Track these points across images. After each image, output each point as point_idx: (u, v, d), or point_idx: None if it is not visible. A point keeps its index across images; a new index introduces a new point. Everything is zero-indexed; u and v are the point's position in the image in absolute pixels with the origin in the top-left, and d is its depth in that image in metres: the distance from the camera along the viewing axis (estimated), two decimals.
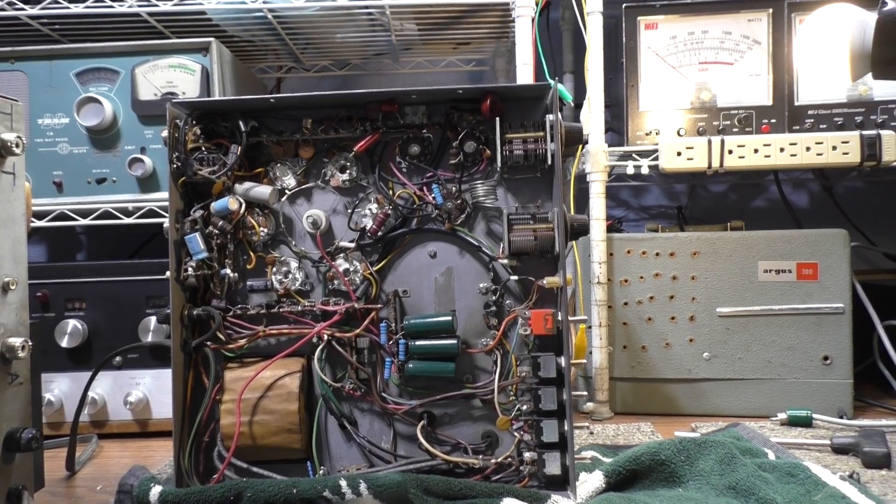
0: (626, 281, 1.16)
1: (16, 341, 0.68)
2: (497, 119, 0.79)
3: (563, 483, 0.76)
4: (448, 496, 0.72)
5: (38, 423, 0.79)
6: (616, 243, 1.16)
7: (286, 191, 0.83)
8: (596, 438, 1.01)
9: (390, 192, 0.82)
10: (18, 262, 0.70)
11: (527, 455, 0.77)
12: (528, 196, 0.82)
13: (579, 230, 0.79)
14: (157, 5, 1.13)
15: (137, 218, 1.15)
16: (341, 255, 0.82)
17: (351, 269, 0.82)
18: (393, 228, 0.82)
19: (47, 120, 1.15)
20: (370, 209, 0.82)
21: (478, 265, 0.82)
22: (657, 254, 1.15)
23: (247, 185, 0.81)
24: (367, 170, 0.83)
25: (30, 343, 0.69)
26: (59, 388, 1.13)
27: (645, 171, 1.15)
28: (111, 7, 1.13)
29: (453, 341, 0.79)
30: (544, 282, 0.77)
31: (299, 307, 0.81)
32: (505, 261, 0.79)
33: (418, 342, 0.79)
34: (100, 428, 1.13)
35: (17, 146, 0.67)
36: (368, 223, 0.81)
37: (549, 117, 0.78)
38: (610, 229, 1.17)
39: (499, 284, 0.81)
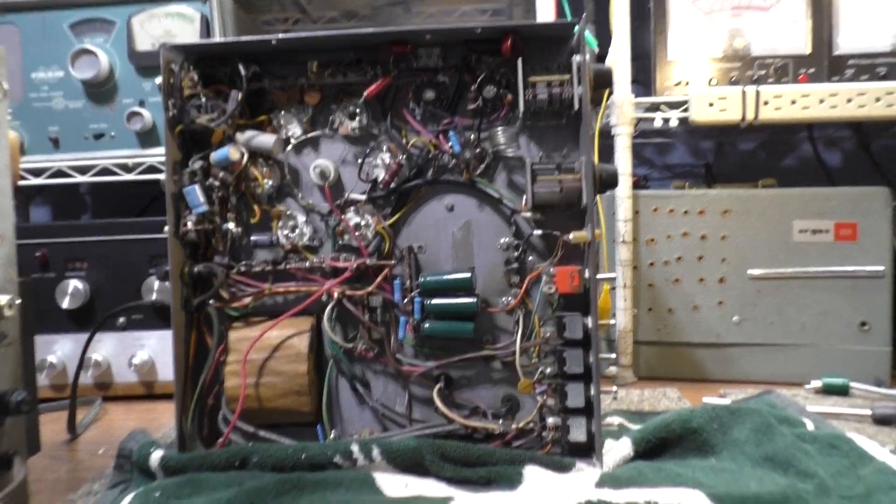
0: (652, 240, 1.10)
1: (1, 299, 0.63)
2: (519, 60, 0.72)
3: (588, 450, 0.71)
4: (466, 463, 0.67)
5: (31, 385, 0.75)
6: (642, 200, 1.10)
7: (291, 140, 0.77)
8: (620, 404, 0.96)
9: (404, 140, 0.76)
10: (4, 216, 0.65)
11: (550, 420, 0.72)
12: (552, 145, 0.76)
13: (608, 181, 0.73)
14: None
15: (138, 174, 1.10)
16: (352, 208, 0.77)
17: (362, 223, 0.76)
18: (407, 180, 0.76)
19: (41, 74, 1.09)
20: (382, 159, 0.76)
21: (498, 219, 0.76)
22: (685, 212, 1.09)
23: (249, 133, 0.76)
24: (379, 117, 0.77)
25: (17, 301, 0.65)
26: (62, 349, 1.09)
27: (674, 123, 1.08)
28: None
29: (472, 300, 0.74)
30: (570, 237, 0.72)
31: (307, 264, 0.76)
32: (528, 214, 0.73)
33: (435, 301, 0.74)
34: (104, 390, 1.10)
35: None
36: (380, 174, 0.76)
37: (576, 58, 0.71)
38: (636, 186, 1.11)
39: (521, 240, 0.75)
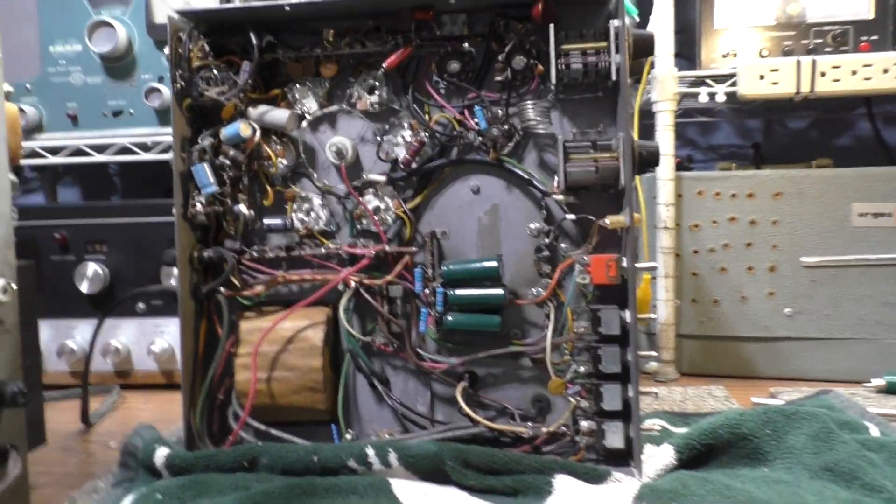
0: (696, 226, 1.02)
1: None
2: (551, 27, 0.66)
3: (626, 458, 0.65)
4: (490, 470, 0.62)
5: (34, 374, 0.72)
6: (686, 183, 1.02)
7: (306, 115, 0.72)
8: (661, 403, 0.89)
9: (426, 116, 0.70)
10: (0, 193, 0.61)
11: (584, 424, 0.66)
12: (587, 120, 0.69)
13: (649, 160, 0.66)
14: None
15: (157, 153, 1.06)
16: (370, 190, 0.71)
17: (382, 206, 0.71)
18: (429, 159, 0.70)
19: (59, 48, 1.06)
20: (403, 136, 0.70)
21: (528, 202, 0.70)
22: (733, 195, 1.01)
23: (262, 108, 0.70)
24: (399, 91, 0.71)
25: (13, 285, 0.61)
26: (82, 335, 1.07)
27: (721, 98, 1.00)
28: None
29: (499, 291, 0.68)
30: (606, 221, 0.65)
31: (323, 250, 0.71)
32: (560, 196, 0.67)
33: (459, 291, 0.68)
34: (124, 378, 1.07)
35: None
36: (401, 153, 0.70)
37: (614, 23, 0.64)
38: (678, 168, 1.03)
39: (553, 225, 0.69)
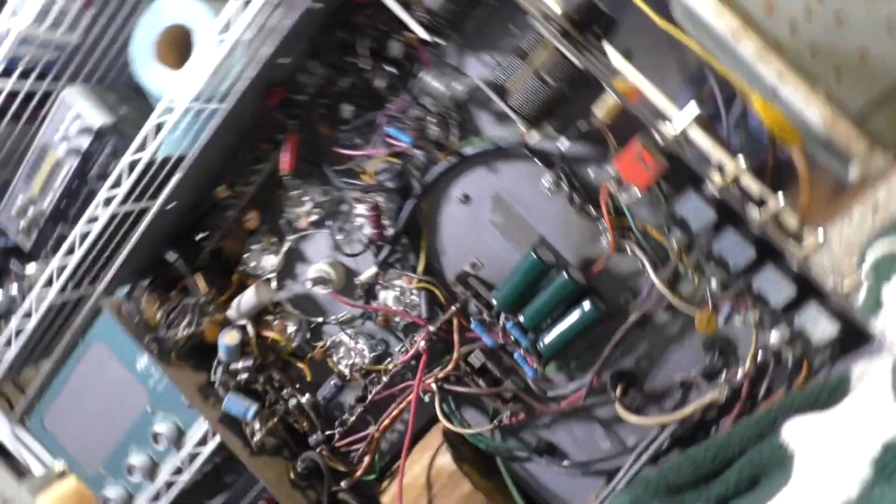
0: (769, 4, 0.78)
1: None
2: None
3: (857, 338, 0.45)
4: (705, 476, 0.45)
5: None
6: None
7: (270, 276, 0.63)
8: (885, 211, 0.65)
9: (362, 178, 0.58)
10: None
11: (773, 337, 0.47)
12: (495, 38, 0.53)
13: (587, 13, 0.49)
14: None
15: None
16: (377, 287, 0.60)
17: (398, 294, 0.59)
18: (398, 210, 0.58)
19: (140, 364, 1.08)
20: (359, 214, 0.59)
21: (520, 166, 0.55)
22: None
23: (233, 304, 0.62)
24: (323, 179, 0.60)
25: None
26: None
27: None
28: None
29: (562, 276, 0.52)
30: (596, 114, 0.48)
31: (385, 377, 0.60)
32: (536, 136, 0.51)
33: (526, 310, 0.54)
34: None
35: None
36: (367, 230, 0.58)
37: None
38: None
39: (555, 167, 0.53)
